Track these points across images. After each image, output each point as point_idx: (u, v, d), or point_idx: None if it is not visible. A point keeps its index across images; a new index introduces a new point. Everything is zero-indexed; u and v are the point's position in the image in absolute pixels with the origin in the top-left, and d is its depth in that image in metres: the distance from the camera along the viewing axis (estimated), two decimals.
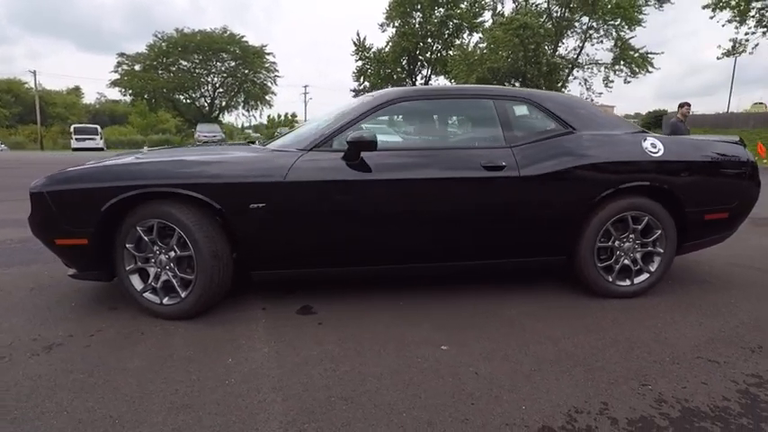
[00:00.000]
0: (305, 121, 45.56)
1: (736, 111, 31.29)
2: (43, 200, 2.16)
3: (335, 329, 2.19)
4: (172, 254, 2.25)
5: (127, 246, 2.26)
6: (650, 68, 22.72)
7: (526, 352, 1.99)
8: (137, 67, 31.60)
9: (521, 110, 2.57)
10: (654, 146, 2.52)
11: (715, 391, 1.68)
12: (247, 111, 34.35)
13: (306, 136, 2.41)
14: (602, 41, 23.85)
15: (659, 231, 2.57)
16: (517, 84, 23.13)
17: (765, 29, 14.68)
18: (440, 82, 38.19)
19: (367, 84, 33.80)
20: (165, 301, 2.28)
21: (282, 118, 65.73)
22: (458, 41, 30.47)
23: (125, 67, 31.94)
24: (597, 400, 1.62)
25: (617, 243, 2.57)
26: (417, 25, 31.27)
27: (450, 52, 31.47)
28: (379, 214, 2.32)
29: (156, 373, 1.78)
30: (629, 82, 23.26)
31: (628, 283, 2.61)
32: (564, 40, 24.28)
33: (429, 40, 32.05)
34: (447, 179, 2.34)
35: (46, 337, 2.07)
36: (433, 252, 2.44)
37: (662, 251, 2.60)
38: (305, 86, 49.46)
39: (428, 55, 32.64)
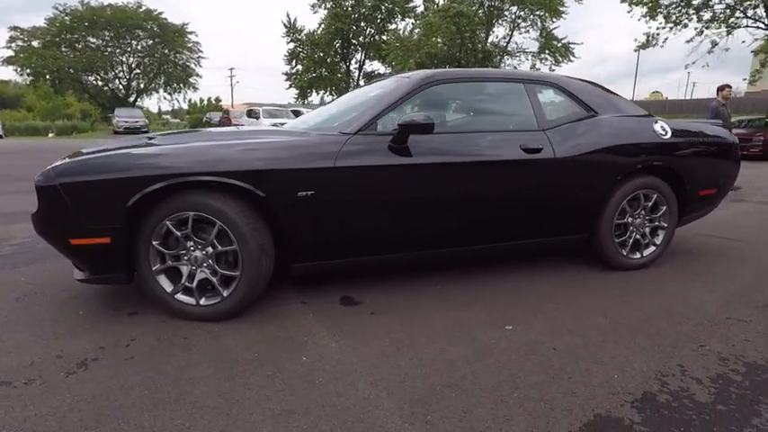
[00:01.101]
0: (231, 106, 43.23)
1: (636, 99, 34.86)
2: (55, 194, 1.83)
3: (392, 318, 2.13)
4: (209, 249, 2.03)
5: (153, 243, 2.00)
6: (572, 58, 24.51)
7: (584, 324, 2.09)
8: (35, 44, 27.69)
9: (548, 93, 2.64)
10: (663, 129, 2.73)
11: (761, 346, 1.90)
12: (169, 94, 31.67)
13: (347, 119, 2.28)
14: (528, 31, 25.26)
15: (665, 207, 2.81)
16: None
17: (672, 24, 16.38)
18: (374, 67, 38.14)
19: (300, 67, 32.79)
20: (203, 301, 2.06)
21: (206, 103, 61.77)
22: (391, 26, 30.52)
23: (20, 42, 27.87)
24: (673, 364, 1.76)
25: (630, 219, 2.77)
26: (350, 8, 30.76)
27: (384, 37, 31.49)
28: (427, 199, 2.27)
29: (233, 381, 1.62)
30: (553, 70, 24.91)
31: (638, 255, 2.83)
32: (494, 29, 25.34)
33: (362, 23, 31.71)
34: (492, 162, 2.35)
35: (72, 352, 1.78)
36: (476, 235, 2.45)
37: (666, 225, 2.85)
38: (231, 69, 46.74)
39: (361, 39, 32.32)
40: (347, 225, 2.17)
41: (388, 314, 2.18)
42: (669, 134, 2.72)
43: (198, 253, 2.03)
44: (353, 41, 32.21)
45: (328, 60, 32.39)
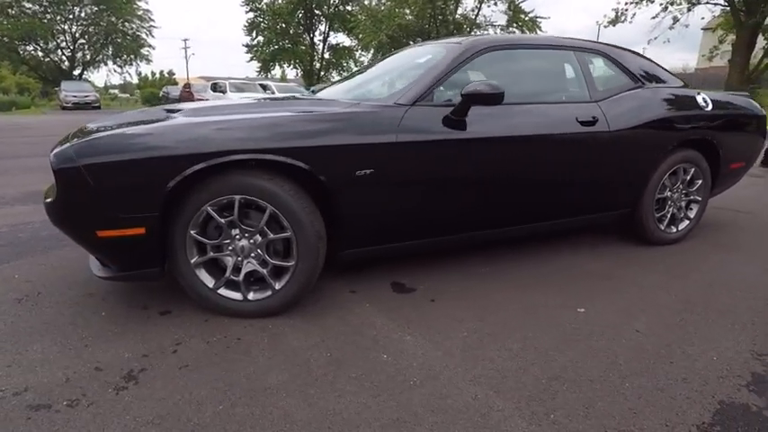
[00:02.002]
0: (187, 79, 40.78)
1: None
2: (78, 178, 1.52)
3: (456, 305, 1.98)
4: (258, 238, 1.79)
5: (191, 232, 1.74)
6: (538, 32, 24.60)
7: (653, 303, 2.02)
8: None
9: (597, 63, 2.51)
10: (705, 101, 2.67)
11: None
12: (120, 66, 29.21)
13: (399, 89, 2.05)
14: (496, 3, 25.07)
15: (700, 181, 2.79)
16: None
17: (637, 1, 16.70)
18: (339, 39, 36.90)
19: (261, 38, 31.19)
20: (251, 296, 1.83)
21: (158, 76, 58.00)
22: None
23: None
24: (762, 342, 1.73)
25: (668, 194, 2.73)
26: None
27: (349, 8, 30.39)
28: (487, 175, 2.10)
29: (317, 387, 1.42)
30: None
31: (674, 230, 2.81)
32: (462, 0, 24.97)
33: None
34: (551, 136, 2.20)
35: (111, 363, 1.52)
36: (531, 213, 2.32)
37: (700, 199, 2.84)
38: (185, 40, 43.86)
39: (325, 9, 31.03)
40: (405, 206, 1.97)
41: (450, 300, 2.03)
42: (710, 106, 2.67)
43: (244, 242, 1.78)
44: (317, 12, 30.88)
45: (291, 32, 30.93)
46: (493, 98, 1.89)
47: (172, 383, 1.43)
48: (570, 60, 2.41)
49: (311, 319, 1.84)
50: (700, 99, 2.66)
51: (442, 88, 2.05)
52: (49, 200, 1.64)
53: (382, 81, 2.30)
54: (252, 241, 1.78)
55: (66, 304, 1.94)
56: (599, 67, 2.52)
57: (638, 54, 2.72)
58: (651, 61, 2.75)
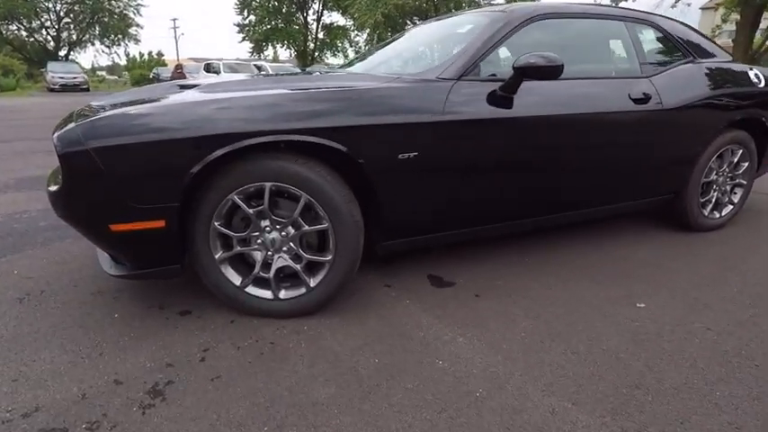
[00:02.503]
0: (177, 60, 39.62)
1: None
2: (88, 163, 1.30)
3: (504, 300, 1.80)
4: (291, 230, 1.59)
5: (215, 224, 1.54)
6: None
7: (716, 296, 1.87)
8: None
9: (648, 35, 2.30)
10: (757, 77, 2.48)
11: None
12: (108, 47, 28.21)
13: (441, 62, 1.83)
14: None
15: (747, 164, 2.62)
16: (418, 22, 22.68)
17: None
18: (333, 19, 35.96)
19: (252, 18, 30.27)
20: (283, 294, 1.65)
21: (147, 57, 56.44)
22: None
23: None
24: None
25: (714, 177, 2.56)
26: None
27: None
28: (539, 158, 1.91)
29: (371, 402, 1.25)
30: None
31: (717, 215, 2.66)
32: None
33: None
34: (605, 114, 2.00)
35: (132, 375, 1.34)
36: (579, 199, 2.15)
37: (745, 183, 2.68)
38: (174, 20, 42.49)
39: None
40: (449, 193, 1.78)
41: (495, 295, 1.86)
42: (763, 83, 2.49)
43: (275, 235, 1.59)
44: None
45: (284, 10, 30.05)
46: (550, 71, 1.68)
47: (205, 399, 1.25)
48: (620, 31, 2.19)
49: (350, 319, 1.67)
50: (752, 75, 2.47)
51: (491, 59, 1.84)
52: (53, 188, 1.43)
53: (417, 54, 2.08)
54: (284, 234, 1.59)
55: (74, 304, 1.75)
56: (648, 39, 2.31)
57: (687, 25, 2.51)
58: (700, 33, 2.54)
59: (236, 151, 1.44)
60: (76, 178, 1.34)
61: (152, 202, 1.38)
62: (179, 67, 19.36)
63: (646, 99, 2.10)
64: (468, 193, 1.82)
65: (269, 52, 34.84)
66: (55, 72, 18.85)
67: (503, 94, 1.77)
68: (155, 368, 1.37)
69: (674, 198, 2.49)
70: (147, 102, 1.51)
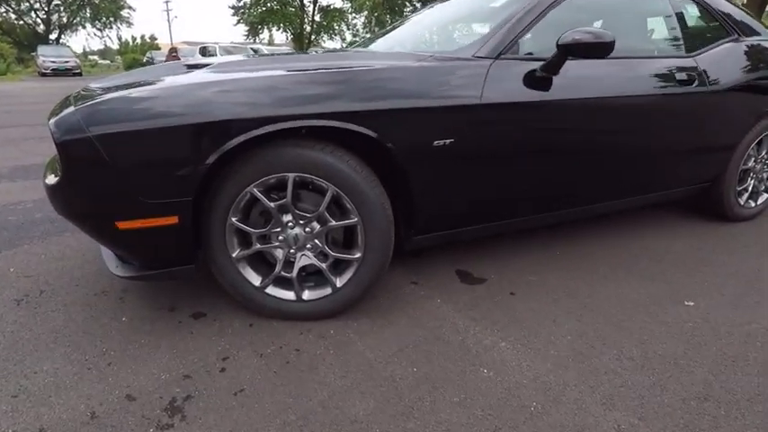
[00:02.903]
0: (171, 43, 39.00)
1: None
2: (90, 152, 1.15)
3: (541, 298, 1.67)
4: (316, 225, 1.45)
5: (232, 219, 1.39)
6: None
7: (765, 292, 1.75)
8: None
9: (692, 9, 2.13)
10: None
11: None
12: (99, 30, 27.52)
13: (476, 39, 1.67)
14: None
15: None
16: (418, 5, 22.18)
17: None
18: (329, 0, 35.17)
19: (248, 0, 29.56)
20: (307, 295, 1.51)
21: (139, 41, 55.29)
22: None
23: None
24: None
25: (752, 164, 2.43)
26: None
27: None
28: (581, 144, 1.75)
29: (417, 419, 1.12)
30: None
31: (753, 204, 2.53)
32: None
33: None
34: (651, 96, 1.84)
35: (146, 388, 1.20)
36: (617, 188, 2.00)
37: None
38: (166, 2, 41.50)
39: None
40: (486, 183, 1.63)
41: (531, 293, 1.73)
42: None
43: (298, 230, 1.45)
44: None
45: None
46: (599, 49, 1.51)
47: (229, 418, 1.12)
48: (664, 7, 2.02)
49: (379, 321, 1.53)
50: None
51: (530, 36, 1.67)
52: (51, 180, 1.27)
53: (445, 30, 1.91)
54: (308, 230, 1.44)
55: (77, 306, 1.61)
56: (692, 14, 2.14)
57: (729, 0, 2.34)
58: (743, 9, 2.38)
59: (256, 139, 1.28)
60: (77, 170, 1.18)
61: (164, 197, 1.23)
62: (173, 50, 18.91)
63: (690, 80, 1.94)
64: (507, 182, 1.67)
65: (264, 35, 34.19)
66: (46, 56, 18.37)
67: (544, 75, 1.61)
68: (170, 380, 1.24)
69: (710, 186, 2.36)
70: (153, 83, 1.35)
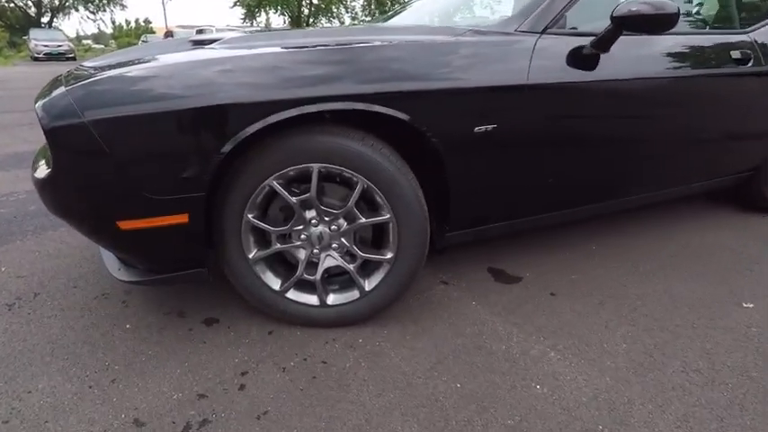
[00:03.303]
0: (166, 27, 38.35)
1: None
2: (85, 141, 0.97)
3: (585, 300, 1.52)
4: (343, 223, 1.29)
5: (249, 216, 1.23)
6: None
7: None
8: None
9: None
10: None
11: None
12: (92, 12, 26.86)
13: (517, 12, 1.49)
14: None
15: None
16: None
17: None
18: None
19: None
20: (332, 299, 1.36)
21: (133, 24, 54.22)
22: None
23: None
24: None
25: None
26: None
27: None
28: (631, 129, 1.59)
29: None
30: None
31: None
32: None
33: None
34: (705, 77, 1.66)
35: (157, 410, 1.06)
36: (664, 177, 1.84)
37: None
38: None
39: None
40: (532, 173, 1.47)
41: (574, 294, 1.58)
42: None
43: (322, 228, 1.29)
44: None
45: None
46: (660, 22, 1.33)
47: None
48: None
49: (411, 328, 1.39)
50: None
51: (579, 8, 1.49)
52: (40, 174, 1.10)
53: (467, 2, 1.72)
54: (333, 227, 1.29)
55: (75, 311, 1.45)
56: None
57: None
58: None
59: (276, 125, 1.12)
60: (70, 161, 1.01)
61: (173, 192, 1.06)
62: (169, 33, 18.43)
63: (745, 59, 1.77)
64: (552, 172, 1.51)
65: (261, 19, 33.45)
66: (38, 40, 17.90)
67: (593, 52, 1.43)
68: (184, 401, 1.10)
69: (751, 176, 2.20)
70: (157, 61, 1.17)
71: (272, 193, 1.24)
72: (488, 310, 1.48)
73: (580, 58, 1.43)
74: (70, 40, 23.76)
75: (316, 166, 1.19)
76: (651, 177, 1.83)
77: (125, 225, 1.07)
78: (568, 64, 1.41)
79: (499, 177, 1.42)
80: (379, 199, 1.24)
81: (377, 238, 1.37)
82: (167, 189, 1.06)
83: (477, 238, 1.59)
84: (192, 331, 1.36)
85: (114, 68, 1.12)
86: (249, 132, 1.08)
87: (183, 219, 1.10)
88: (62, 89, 1.01)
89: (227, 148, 1.06)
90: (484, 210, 1.49)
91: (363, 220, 1.26)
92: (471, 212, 1.47)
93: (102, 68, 1.18)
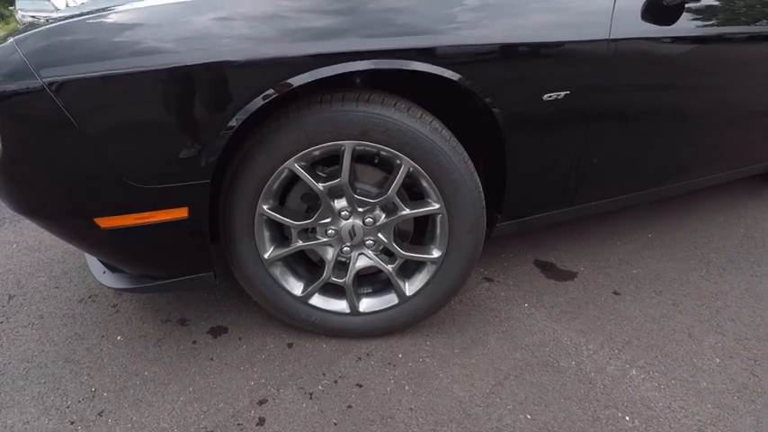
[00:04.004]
0: None
1: None
2: (44, 108, 0.72)
3: (655, 300, 1.29)
4: (380, 214, 1.05)
5: (263, 207, 0.99)
6: None
7: None
8: None
9: None
10: None
11: None
12: None
13: None
14: None
15: None
16: None
17: None
18: None
19: None
20: (365, 306, 1.13)
21: None
22: None
23: None
24: None
25: None
26: None
27: None
28: (715, 94, 1.33)
29: None
30: None
31: None
32: None
33: None
34: None
35: None
36: (738, 153, 1.60)
37: None
38: None
39: None
40: (605, 149, 1.21)
41: (640, 292, 1.35)
42: None
43: (355, 221, 1.05)
44: None
45: None
46: None
47: None
48: None
49: (459, 340, 1.16)
50: None
51: None
52: None
53: None
54: (369, 220, 1.05)
55: (56, 318, 1.22)
56: None
57: None
58: None
59: (296, 92, 0.86)
60: (25, 140, 0.75)
61: (166, 180, 0.82)
62: None
63: None
64: (628, 147, 1.25)
65: None
66: (25, 11, 17.04)
67: (677, 3, 1.17)
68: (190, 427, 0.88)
69: None
70: (139, 3, 0.89)
71: (292, 179, 0.99)
72: (545, 315, 1.25)
73: (666, 11, 1.16)
74: (58, 11, 22.58)
75: (348, 145, 0.93)
76: (728, 154, 1.58)
77: (105, 223, 0.82)
78: (657, 16, 1.14)
79: (566, 155, 1.17)
80: (426, 185, 0.99)
81: (418, 233, 1.13)
82: (159, 176, 0.80)
83: (529, 228, 1.36)
84: (197, 345, 1.13)
85: (83, 16, 0.85)
86: (263, 101, 0.82)
87: (180, 213, 0.85)
88: (10, 41, 0.75)
89: (235, 121, 0.81)
90: (544, 194, 1.24)
91: (407, 211, 1.02)
92: (530, 198, 1.22)
93: (66, 19, 0.91)
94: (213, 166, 0.83)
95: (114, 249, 0.89)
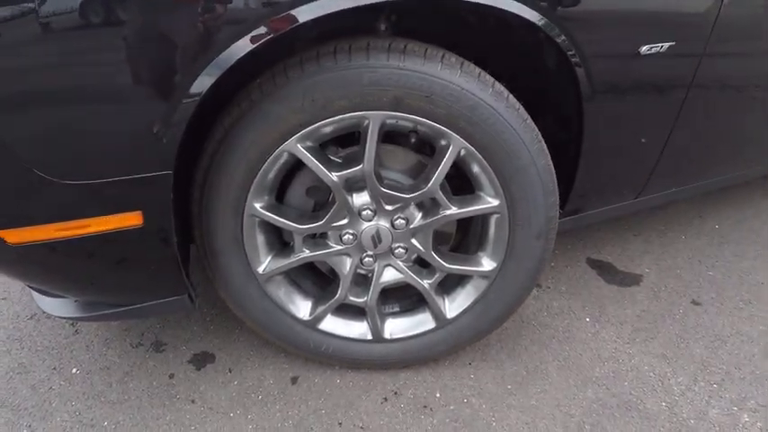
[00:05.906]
0: None
1: None
2: None
3: (745, 312, 1.03)
4: (416, 213, 0.78)
5: (255, 206, 0.71)
6: None
7: None
8: None
9: None
10: None
11: None
12: None
13: None
14: None
15: None
16: None
17: None
18: None
19: None
20: (391, 331, 0.87)
21: None
22: None
23: None
24: None
25: None
26: None
27: None
28: None
29: None
30: None
31: None
32: None
33: None
34: None
35: None
36: None
37: None
38: None
39: None
40: (709, 124, 0.93)
41: (723, 301, 1.08)
42: None
43: (381, 223, 0.78)
44: None
45: None
46: None
47: None
48: None
49: (511, 371, 0.90)
50: None
51: None
52: None
53: None
54: (400, 221, 0.77)
55: (5, 342, 0.97)
56: None
57: None
58: None
59: (295, 37, 0.58)
60: None
61: (102, 172, 0.54)
62: None
63: None
64: (730, 121, 0.97)
65: None
66: None
67: None
68: None
69: None
70: None
71: (294, 165, 0.72)
72: (614, 333, 1.00)
73: None
74: None
75: (375, 117, 0.65)
76: None
77: (13, 237, 0.55)
78: None
79: (657, 130, 0.88)
80: (479, 173, 0.71)
81: (461, 238, 0.86)
82: (87, 165, 0.53)
83: (584, 224, 1.08)
84: (175, 380, 0.88)
85: None
86: (252, 45, 0.54)
87: (130, 220, 0.58)
88: None
89: (203, 82, 0.52)
90: (623, 181, 0.96)
91: (454, 209, 0.74)
92: (605, 187, 0.94)
93: None
94: (176, 151, 0.56)
95: (35, 272, 0.62)
